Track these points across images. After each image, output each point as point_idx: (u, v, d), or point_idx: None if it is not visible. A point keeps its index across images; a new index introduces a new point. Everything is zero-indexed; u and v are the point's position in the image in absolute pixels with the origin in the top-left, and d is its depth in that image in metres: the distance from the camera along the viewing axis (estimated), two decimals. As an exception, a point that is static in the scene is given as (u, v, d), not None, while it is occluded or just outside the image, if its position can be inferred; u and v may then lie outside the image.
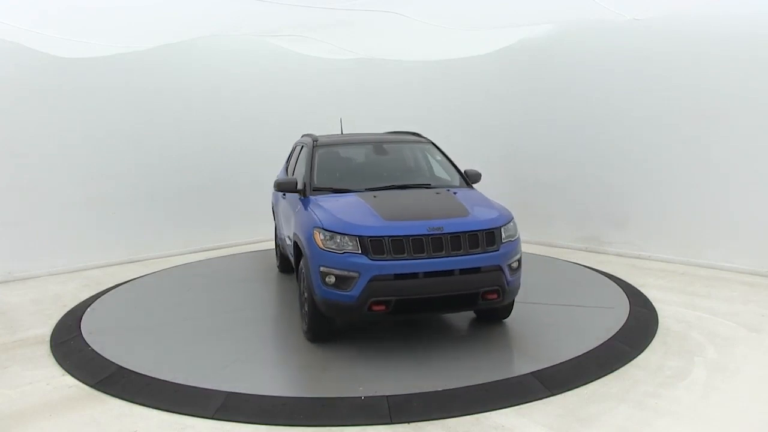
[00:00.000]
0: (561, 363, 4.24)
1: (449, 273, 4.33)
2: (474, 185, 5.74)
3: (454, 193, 5.21)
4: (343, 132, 7.10)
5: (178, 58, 8.64)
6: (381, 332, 5.06)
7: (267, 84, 9.59)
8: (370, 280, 4.24)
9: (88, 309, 5.91)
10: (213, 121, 9.06)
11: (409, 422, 3.53)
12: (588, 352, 4.45)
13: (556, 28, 8.61)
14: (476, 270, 4.39)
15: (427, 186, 5.42)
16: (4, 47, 7.14)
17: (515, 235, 4.72)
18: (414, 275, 4.29)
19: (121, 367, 4.37)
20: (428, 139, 6.22)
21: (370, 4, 6.43)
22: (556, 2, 7.00)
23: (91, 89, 7.91)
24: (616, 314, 5.32)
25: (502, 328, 5.20)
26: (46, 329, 5.39)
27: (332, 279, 4.35)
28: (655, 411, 3.60)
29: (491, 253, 4.44)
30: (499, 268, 4.45)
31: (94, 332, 5.18)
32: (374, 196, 4.97)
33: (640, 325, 5.11)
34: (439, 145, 6.20)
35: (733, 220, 7.04)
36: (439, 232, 4.34)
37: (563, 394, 3.84)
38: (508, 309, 5.12)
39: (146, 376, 4.21)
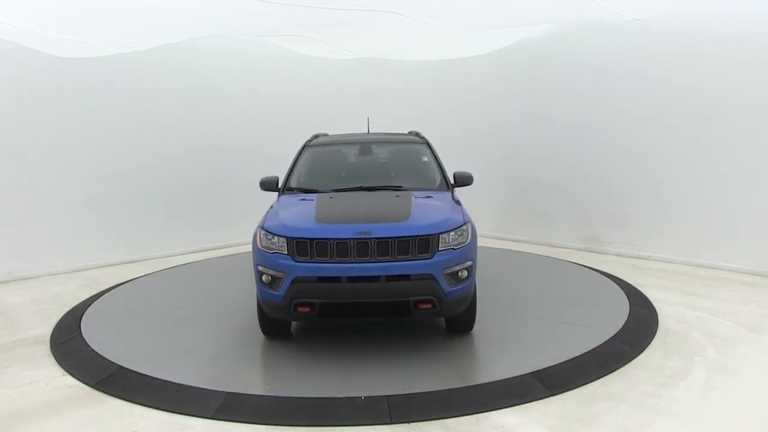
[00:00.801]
0: (561, 363, 4.24)
1: (375, 279, 4.21)
2: (465, 187, 5.65)
3: (419, 196, 5.00)
4: (370, 131, 7.03)
5: (178, 58, 8.64)
6: (381, 332, 5.06)
7: (267, 84, 9.59)
8: (293, 282, 4.26)
9: (88, 309, 5.91)
10: (213, 121, 9.06)
11: (409, 422, 3.53)
12: (588, 352, 4.45)
13: (556, 28, 8.61)
14: (405, 277, 4.22)
15: (398, 188, 5.24)
16: (4, 47, 7.14)
17: (463, 243, 4.41)
18: (337, 279, 4.24)
19: (121, 367, 4.37)
20: (424, 140, 6.13)
21: (370, 4, 6.43)
22: (556, 2, 7.00)
23: (91, 89, 7.91)
24: (616, 314, 5.32)
25: (502, 328, 5.20)
26: (46, 329, 5.39)
27: (268, 278, 4.42)
28: (655, 411, 3.60)
29: (422, 261, 4.23)
30: (432, 277, 4.22)
31: (94, 332, 5.18)
32: (330, 198, 5.04)
33: (640, 325, 5.11)
34: (434, 146, 6.15)
35: (733, 220, 7.04)
36: (366, 236, 4.23)
37: (563, 394, 3.84)
38: (466, 320, 4.81)
39: (146, 376, 4.21)
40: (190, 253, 8.63)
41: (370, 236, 4.22)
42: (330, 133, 6.70)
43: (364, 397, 3.81)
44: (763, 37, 6.64)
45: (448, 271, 4.28)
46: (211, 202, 9.07)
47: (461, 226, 4.50)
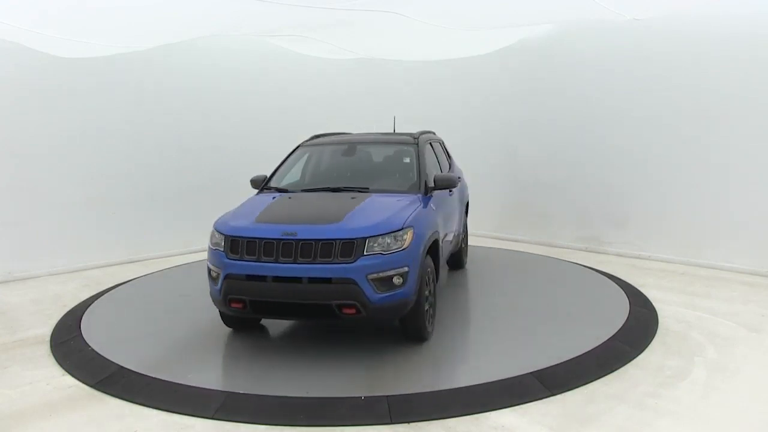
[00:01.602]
0: (561, 363, 4.24)
1: (297, 280, 4.22)
2: (446, 190, 5.68)
3: (377, 199, 4.91)
4: (395, 131, 7.01)
5: (178, 58, 8.64)
6: (380, 332, 5.06)
7: (267, 84, 9.59)
8: (226, 278, 4.41)
9: (88, 309, 5.90)
10: (213, 121, 9.05)
11: (409, 422, 3.53)
12: (588, 352, 4.45)
13: (556, 28, 8.61)
14: (327, 281, 4.19)
15: (364, 190, 5.19)
16: (4, 47, 7.13)
17: (398, 248, 4.29)
18: (263, 278, 4.30)
19: (121, 367, 4.37)
20: (415, 140, 5.86)
21: (370, 4, 6.44)
22: (556, 2, 7.01)
23: (91, 89, 7.91)
24: (616, 314, 5.32)
25: (502, 328, 5.20)
26: (46, 329, 5.39)
27: (214, 274, 4.59)
28: (655, 411, 3.60)
29: (344, 265, 4.16)
30: (353, 282, 4.14)
31: (94, 332, 5.18)
32: (289, 198, 5.20)
33: (640, 325, 5.11)
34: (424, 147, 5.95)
35: (733, 220, 7.04)
36: (291, 237, 4.26)
37: (563, 394, 3.84)
38: (414, 329, 4.64)
39: (146, 376, 4.21)
40: (190, 253, 8.62)
41: (295, 237, 4.26)
42: (329, 132, 6.71)
43: (364, 397, 3.81)
44: (763, 37, 6.65)
45: (375, 276, 4.16)
46: (211, 202, 9.00)
47: (397, 230, 4.32)
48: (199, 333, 5.19)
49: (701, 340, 4.79)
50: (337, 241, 4.21)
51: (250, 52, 9.35)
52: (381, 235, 4.26)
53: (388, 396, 3.80)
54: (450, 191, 6.02)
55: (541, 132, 8.94)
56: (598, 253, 8.22)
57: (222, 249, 4.49)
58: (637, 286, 6.34)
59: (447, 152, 7.10)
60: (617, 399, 3.77)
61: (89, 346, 4.83)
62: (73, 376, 4.33)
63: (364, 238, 4.21)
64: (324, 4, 6.37)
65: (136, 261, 8.21)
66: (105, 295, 6.48)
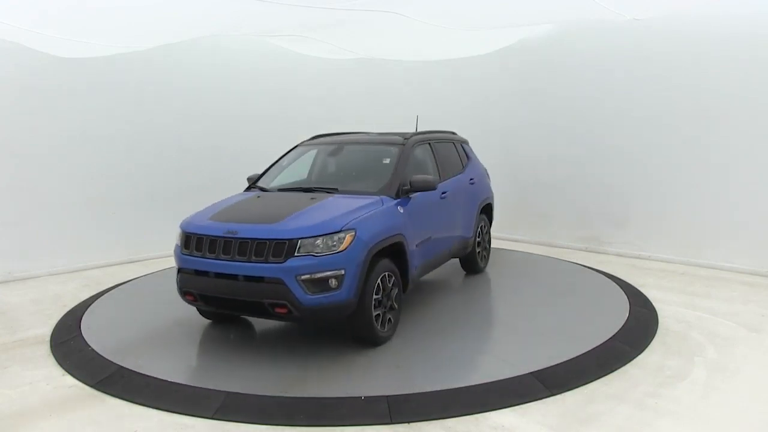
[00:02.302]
0: (561, 363, 4.24)
1: (234, 277, 4.35)
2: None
3: (335, 200, 4.94)
4: (417, 130, 6.92)
5: (178, 58, 8.64)
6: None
7: (267, 84, 9.59)
8: (179, 272, 4.77)
9: (88, 309, 5.90)
10: (213, 121, 9.05)
11: (409, 422, 3.53)
12: (588, 352, 4.45)
13: (556, 28, 8.61)
14: (259, 279, 4.27)
15: (333, 191, 5.23)
16: (4, 47, 7.14)
17: (334, 250, 4.28)
18: (206, 273, 4.50)
19: (121, 367, 4.37)
20: (404, 141, 5.74)
21: (370, 4, 6.44)
22: (556, 2, 7.01)
23: (91, 89, 7.90)
24: (616, 314, 5.32)
25: (502, 328, 5.20)
26: (46, 329, 5.39)
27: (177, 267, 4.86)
28: (655, 411, 3.60)
29: (274, 265, 4.22)
30: (282, 282, 4.19)
31: (94, 332, 5.18)
32: (257, 197, 5.35)
33: (640, 325, 5.11)
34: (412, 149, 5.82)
35: (733, 220, 7.04)
36: (232, 236, 4.40)
37: (563, 394, 3.84)
38: (362, 333, 4.61)
39: (146, 376, 4.21)
40: (190, 253, 8.61)
41: (235, 236, 4.39)
42: (333, 132, 6.70)
43: (364, 397, 3.81)
44: (763, 37, 6.65)
45: (305, 277, 4.19)
46: (211, 202, 9.03)
47: (332, 233, 4.31)
48: (200, 333, 5.19)
49: (701, 340, 4.79)
50: (271, 241, 4.28)
51: (250, 52, 9.34)
52: (314, 236, 4.27)
53: (388, 396, 3.80)
54: (443, 194, 5.83)
55: (541, 132, 8.94)
56: (598, 253, 8.22)
57: (178, 244, 4.82)
58: (637, 286, 6.34)
59: (465, 153, 6.94)
60: (617, 399, 3.77)
61: (89, 346, 4.83)
62: (73, 376, 4.34)
63: (296, 239, 4.24)
64: (324, 4, 6.37)
65: (136, 261, 8.21)
66: (105, 295, 6.48)
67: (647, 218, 7.88)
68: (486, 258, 7.21)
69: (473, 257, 6.82)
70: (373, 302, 4.53)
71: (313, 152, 6.24)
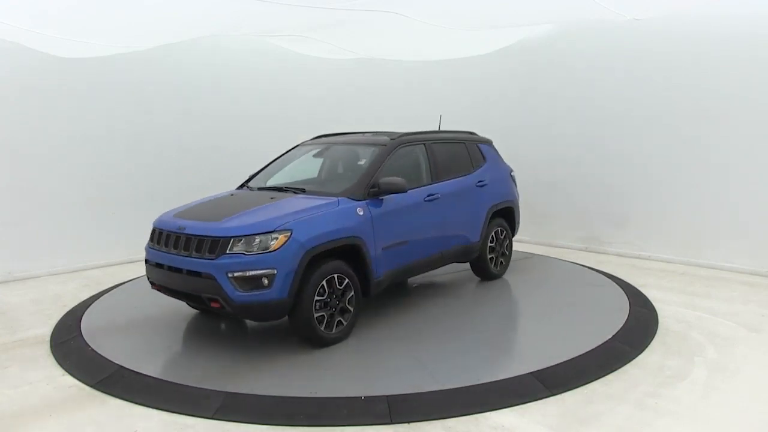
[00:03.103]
0: (561, 363, 4.24)
1: (180, 271, 4.62)
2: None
3: (291, 200, 5.03)
4: (440, 129, 6.93)
5: (178, 58, 8.64)
6: (380, 332, 5.06)
7: (267, 84, 9.59)
8: (146, 262, 5.05)
9: (88, 309, 5.91)
10: (213, 121, 9.05)
11: (409, 422, 3.53)
12: (588, 352, 4.45)
13: (556, 28, 8.61)
14: (197, 274, 4.46)
15: (300, 191, 5.33)
16: (4, 47, 7.14)
17: (266, 250, 4.36)
18: (162, 266, 4.81)
19: (121, 367, 4.37)
20: (388, 142, 5.65)
21: (370, 4, 6.44)
22: (556, 2, 7.01)
23: (91, 89, 7.90)
24: (616, 314, 5.32)
25: (502, 328, 5.20)
26: (46, 329, 5.39)
27: None
28: (655, 411, 3.60)
29: (207, 261, 4.39)
30: (213, 278, 4.33)
31: (94, 332, 5.18)
32: (231, 195, 5.59)
33: (640, 325, 5.11)
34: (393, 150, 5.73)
35: (733, 220, 7.04)
36: (181, 231, 4.68)
37: (563, 394, 3.84)
38: (305, 334, 4.66)
39: (146, 376, 4.21)
40: (190, 253, 8.61)
41: (183, 232, 4.68)
42: (336, 132, 6.71)
43: (364, 397, 3.81)
44: (763, 37, 6.65)
45: (237, 275, 4.30)
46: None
47: (266, 233, 4.40)
48: (200, 333, 5.20)
49: (701, 340, 4.79)
50: (208, 239, 4.48)
51: (250, 52, 9.34)
52: (246, 235, 4.39)
53: (388, 396, 3.80)
54: (430, 196, 5.65)
55: (541, 132, 8.94)
56: (598, 253, 8.22)
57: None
58: (637, 286, 6.34)
59: (481, 154, 6.64)
60: (617, 399, 3.77)
61: (89, 346, 4.83)
62: (73, 376, 4.34)
63: (228, 238, 4.39)
64: (324, 4, 6.37)
65: (136, 261, 8.19)
66: (105, 295, 6.48)
67: (647, 218, 7.88)
68: (503, 265, 6.84)
69: (484, 263, 6.54)
70: (316, 303, 4.55)
71: (306, 152, 6.31)
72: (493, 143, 7.08)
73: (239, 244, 4.37)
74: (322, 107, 9.85)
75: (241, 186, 6.04)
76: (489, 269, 6.61)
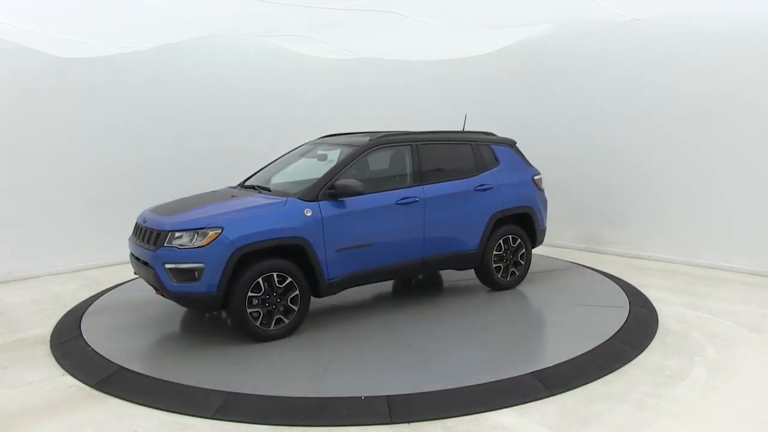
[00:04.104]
0: (561, 363, 4.24)
1: (139, 260, 5.08)
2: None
3: (245, 200, 5.21)
4: (464, 129, 6.90)
5: (178, 58, 8.64)
6: (380, 332, 5.06)
7: (267, 84, 9.58)
8: (131, 254, 5.40)
9: (88, 309, 5.91)
10: (213, 121, 9.05)
11: (409, 422, 3.53)
12: (588, 352, 4.45)
13: (556, 28, 8.61)
14: (146, 264, 4.91)
15: (266, 190, 5.54)
16: (4, 47, 7.14)
17: (195, 245, 4.61)
18: (133, 255, 5.28)
19: (121, 367, 4.37)
20: (363, 143, 5.58)
21: (370, 4, 6.44)
22: (556, 2, 7.01)
23: (91, 89, 7.90)
24: (616, 314, 5.32)
25: (502, 328, 5.20)
26: (46, 329, 5.39)
27: None
28: (655, 411, 3.60)
29: (150, 252, 4.82)
30: (153, 269, 4.75)
31: (94, 332, 5.18)
32: (212, 193, 5.87)
33: (640, 325, 5.11)
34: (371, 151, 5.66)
35: (733, 220, 7.04)
36: (144, 224, 5.12)
37: (563, 394, 3.84)
38: (240, 328, 4.84)
39: (146, 376, 4.21)
40: (190, 253, 8.61)
41: (144, 224, 5.12)
42: (340, 132, 6.71)
43: (364, 397, 3.81)
44: (764, 37, 6.65)
45: (171, 266, 4.66)
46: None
47: (197, 229, 4.68)
48: (199, 333, 5.20)
49: (701, 340, 4.79)
50: (155, 231, 4.87)
51: (250, 52, 9.34)
52: (180, 230, 4.72)
53: (388, 396, 3.80)
54: (404, 199, 5.45)
55: (541, 132, 8.94)
56: (598, 253, 8.22)
57: None
58: (637, 286, 6.34)
59: (494, 156, 6.35)
60: (617, 399, 3.77)
61: (89, 346, 4.83)
62: (73, 376, 4.34)
63: (167, 232, 4.74)
64: (324, 4, 6.36)
65: (136, 261, 8.20)
66: (105, 295, 6.49)
67: (647, 218, 7.88)
68: (516, 276, 6.36)
69: (487, 272, 6.13)
70: (252, 299, 4.72)
71: (305, 152, 6.32)
72: (516, 144, 6.78)
73: (175, 238, 4.70)
74: (322, 107, 9.84)
75: (242, 183, 6.14)
76: (495, 279, 6.20)
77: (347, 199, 5.15)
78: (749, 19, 6.71)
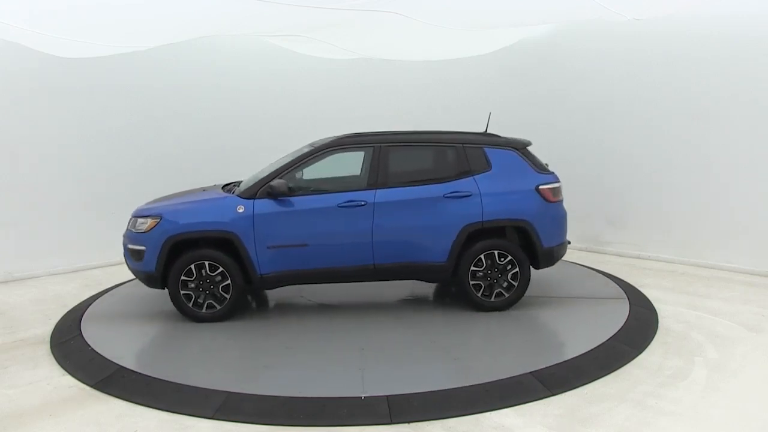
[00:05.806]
0: (561, 363, 4.25)
1: None
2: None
3: (200, 193, 5.90)
4: (487, 130, 6.75)
5: (178, 58, 8.64)
6: (380, 332, 5.06)
7: (267, 84, 9.59)
8: None
9: (89, 309, 5.91)
10: (213, 121, 9.05)
11: (409, 422, 3.53)
12: (588, 352, 4.45)
13: (556, 28, 8.61)
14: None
15: (237, 185, 5.98)
16: (4, 47, 7.14)
17: (141, 231, 5.42)
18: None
19: (121, 367, 4.37)
20: (322, 146, 5.56)
21: (370, 4, 6.43)
22: (556, 2, 7.00)
23: (90, 89, 7.91)
24: (616, 314, 5.32)
25: (503, 328, 5.20)
26: (46, 329, 5.39)
27: None
28: (655, 411, 3.60)
29: (124, 234, 5.69)
30: (123, 248, 5.67)
31: (94, 332, 5.18)
32: (202, 190, 6.19)
33: (640, 325, 5.11)
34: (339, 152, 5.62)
35: (733, 220, 7.04)
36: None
37: (563, 394, 3.84)
38: (175, 306, 5.44)
39: (146, 376, 4.21)
40: (190, 253, 8.61)
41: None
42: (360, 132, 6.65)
43: (364, 397, 3.81)
44: (764, 37, 6.64)
45: (129, 247, 5.56)
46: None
47: (143, 216, 5.46)
48: (200, 333, 5.19)
49: (701, 340, 4.79)
50: (131, 219, 5.61)
51: (250, 52, 9.35)
52: (134, 217, 5.56)
53: (388, 396, 3.80)
54: (348, 202, 5.28)
55: (541, 132, 8.89)
56: (598, 253, 8.22)
57: None
58: (637, 286, 6.34)
59: (486, 160, 5.70)
60: (617, 399, 3.77)
61: (89, 346, 4.83)
62: (73, 376, 4.34)
63: (132, 217, 5.59)
64: (324, 4, 6.36)
65: (136, 261, 8.20)
66: (105, 295, 6.49)
67: (647, 218, 7.88)
68: (505, 298, 5.50)
69: (465, 289, 5.47)
70: (185, 283, 5.30)
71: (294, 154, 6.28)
72: (528, 147, 6.09)
73: (136, 223, 5.46)
74: (322, 107, 9.84)
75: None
76: (472, 298, 5.48)
77: (288, 199, 5.34)
78: (749, 19, 6.71)
